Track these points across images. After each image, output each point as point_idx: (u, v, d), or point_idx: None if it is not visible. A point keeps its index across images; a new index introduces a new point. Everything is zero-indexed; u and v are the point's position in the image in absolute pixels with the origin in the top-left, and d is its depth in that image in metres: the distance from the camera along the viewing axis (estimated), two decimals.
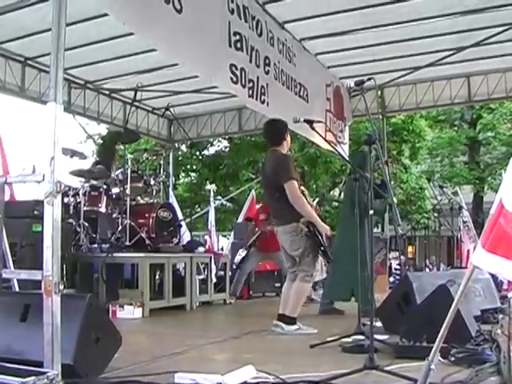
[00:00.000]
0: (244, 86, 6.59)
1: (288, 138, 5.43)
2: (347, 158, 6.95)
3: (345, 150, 9.53)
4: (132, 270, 7.41)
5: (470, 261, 2.42)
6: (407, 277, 5.07)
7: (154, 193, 7.89)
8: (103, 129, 16.23)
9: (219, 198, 17.46)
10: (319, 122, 5.75)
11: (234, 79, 6.39)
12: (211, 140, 18.18)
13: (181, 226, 8.19)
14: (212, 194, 12.60)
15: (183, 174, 21.04)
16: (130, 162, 7.42)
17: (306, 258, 5.16)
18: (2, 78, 7.96)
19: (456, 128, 22.18)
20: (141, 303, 6.36)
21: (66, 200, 7.14)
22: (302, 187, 5.47)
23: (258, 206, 10.59)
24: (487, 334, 4.19)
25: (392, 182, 15.90)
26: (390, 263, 12.45)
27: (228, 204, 20.05)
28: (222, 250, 12.21)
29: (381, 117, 10.46)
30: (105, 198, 7.32)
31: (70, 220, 7.00)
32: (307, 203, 5.24)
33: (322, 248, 5.19)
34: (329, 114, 9.26)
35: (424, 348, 3.35)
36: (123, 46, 7.58)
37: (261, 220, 8.19)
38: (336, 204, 21.17)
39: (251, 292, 9.08)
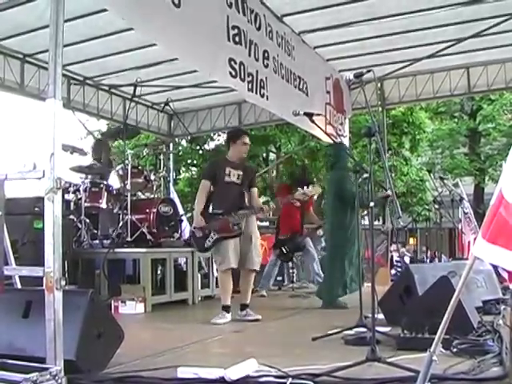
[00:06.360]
0: (243, 80, 6.57)
1: (233, 145, 5.85)
2: (348, 151, 6.93)
3: (345, 142, 9.54)
4: (134, 266, 7.40)
5: (471, 252, 2.42)
6: (409, 269, 5.07)
7: (155, 188, 7.90)
8: (103, 125, 16.20)
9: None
10: (319, 114, 5.74)
11: (233, 73, 6.37)
12: (211, 134, 18.16)
13: (182, 220, 8.20)
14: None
15: (184, 169, 21.03)
16: (130, 158, 7.42)
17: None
18: (1, 75, 7.93)
19: (456, 119, 22.13)
20: (143, 298, 6.37)
21: (66, 196, 7.16)
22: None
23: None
24: (489, 325, 4.20)
25: (393, 175, 15.91)
26: (392, 255, 12.44)
27: None
28: None
29: (380, 109, 10.43)
30: (105, 193, 7.34)
31: (71, 216, 7.02)
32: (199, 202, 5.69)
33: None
34: (329, 106, 9.24)
35: (426, 339, 3.35)
36: (122, 42, 7.56)
37: None
38: None
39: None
